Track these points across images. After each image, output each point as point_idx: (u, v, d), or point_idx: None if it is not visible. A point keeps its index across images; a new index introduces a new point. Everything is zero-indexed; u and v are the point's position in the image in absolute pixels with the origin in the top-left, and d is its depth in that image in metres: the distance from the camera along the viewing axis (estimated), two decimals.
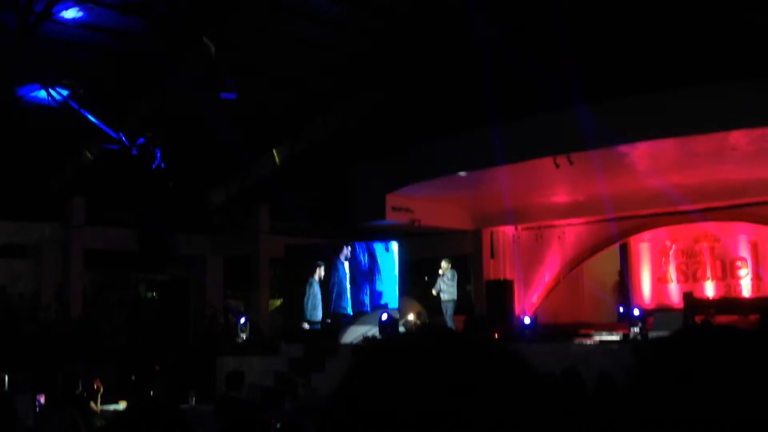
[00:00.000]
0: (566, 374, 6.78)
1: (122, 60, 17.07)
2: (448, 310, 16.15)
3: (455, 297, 16.31)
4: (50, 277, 20.37)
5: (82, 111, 16.87)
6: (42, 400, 7.74)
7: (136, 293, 23.02)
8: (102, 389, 9.77)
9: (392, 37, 18.03)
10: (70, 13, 14.99)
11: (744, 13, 13.81)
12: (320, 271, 17.51)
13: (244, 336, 17.89)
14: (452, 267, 16.49)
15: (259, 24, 15.63)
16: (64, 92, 17.10)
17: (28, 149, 18.64)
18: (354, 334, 16.35)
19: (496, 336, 15.12)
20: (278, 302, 23.20)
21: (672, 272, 17.60)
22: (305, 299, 17.42)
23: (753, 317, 13.89)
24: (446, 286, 16.19)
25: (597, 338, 14.83)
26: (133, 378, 12.78)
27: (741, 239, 16.64)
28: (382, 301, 16.96)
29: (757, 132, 12.24)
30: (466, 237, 19.12)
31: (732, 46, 13.83)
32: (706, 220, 15.78)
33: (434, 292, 16.72)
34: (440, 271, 16.56)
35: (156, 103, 17.69)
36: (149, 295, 23.63)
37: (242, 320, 18.57)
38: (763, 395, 0.95)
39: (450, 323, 15.60)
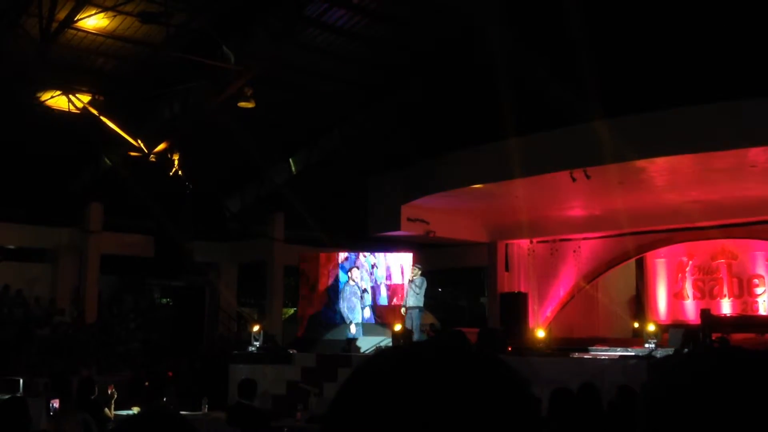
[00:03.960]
0: (583, 389, 6.74)
1: (142, 68, 17.22)
2: (414, 319, 15.64)
3: (422, 304, 15.80)
4: (67, 281, 20.52)
5: (102, 117, 17.02)
6: (56, 404, 7.78)
7: (150, 299, 23.13)
8: (116, 395, 9.81)
9: (411, 50, 18.09)
10: (92, 21, 15.15)
11: (765, 30, 13.74)
12: (353, 274, 17.40)
13: (257, 344, 17.91)
14: (422, 274, 16.02)
15: (278, 34, 15.71)
16: (85, 99, 17.27)
17: (47, 155, 18.82)
18: (368, 344, 16.32)
19: (510, 349, 15.06)
20: (291, 311, 23.24)
21: (688, 289, 17.48)
22: (339, 302, 17.32)
23: None
24: (413, 292, 15.66)
25: (613, 353, 14.72)
26: (147, 384, 12.80)
27: (759, 257, 16.51)
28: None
29: None
30: (481, 249, 19.09)
31: (752, 63, 13.75)
32: (723, 237, 15.67)
33: (403, 309, 16.10)
34: (410, 277, 16.04)
35: (175, 111, 17.81)
36: (164, 301, 23.73)
37: (255, 328, 18.58)
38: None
39: (417, 334, 15.33)
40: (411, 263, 16.77)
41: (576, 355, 13.58)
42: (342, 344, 16.14)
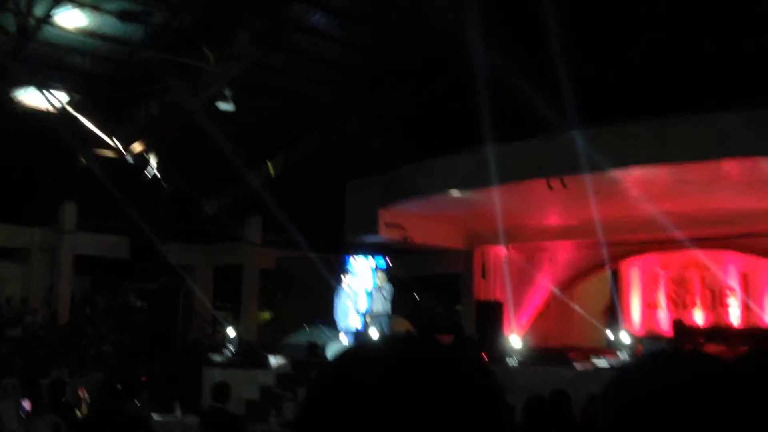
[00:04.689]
0: (553, 397, 6.78)
1: (121, 67, 17.09)
2: (383, 325, 15.54)
3: (390, 311, 15.72)
4: (39, 282, 20.28)
5: (79, 116, 16.86)
6: (27, 405, 7.68)
7: (124, 301, 22.90)
8: (87, 398, 9.69)
9: (391, 56, 18.13)
10: (71, 19, 15.00)
11: (739, 42, 13.94)
12: (347, 279, 17.33)
13: (231, 348, 17.78)
14: (388, 280, 15.93)
15: (259, 36, 15.67)
16: (61, 97, 17.10)
17: (21, 152, 18.60)
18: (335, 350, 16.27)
19: (485, 357, 15.09)
20: (267, 315, 23.13)
21: (662, 299, 17.64)
22: (335, 308, 17.23)
23: (742, 348, 13.90)
24: (383, 298, 15.54)
25: (587, 363, 14.81)
26: (119, 387, 12.67)
27: (731, 269, 16.70)
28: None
29: (750, 162, 12.32)
30: (458, 256, 19.12)
31: (726, 76, 13.94)
32: (696, 248, 15.83)
33: (367, 316, 15.92)
34: (378, 283, 15.90)
35: (153, 111, 17.69)
36: (138, 303, 23.51)
37: (230, 332, 18.45)
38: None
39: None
40: (376, 268, 16.74)
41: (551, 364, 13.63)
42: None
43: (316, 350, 15.72)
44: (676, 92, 14.03)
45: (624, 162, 12.74)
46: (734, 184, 13.29)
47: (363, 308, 16.90)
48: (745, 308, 16.42)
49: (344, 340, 16.53)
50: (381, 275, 15.73)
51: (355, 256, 17.60)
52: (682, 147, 12.27)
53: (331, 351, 15.78)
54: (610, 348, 16.48)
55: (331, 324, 17.09)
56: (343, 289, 17.14)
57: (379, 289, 15.52)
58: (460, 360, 0.96)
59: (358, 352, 0.99)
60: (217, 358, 16.10)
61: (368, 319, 15.73)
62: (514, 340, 16.24)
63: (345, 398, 0.90)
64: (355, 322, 16.95)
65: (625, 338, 15.25)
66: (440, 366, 0.93)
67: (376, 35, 17.34)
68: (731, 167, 12.64)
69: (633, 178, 13.55)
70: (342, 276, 17.42)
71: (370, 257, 17.77)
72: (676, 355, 1.12)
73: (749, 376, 1.07)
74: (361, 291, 17.23)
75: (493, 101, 13.53)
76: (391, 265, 18.10)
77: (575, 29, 14.36)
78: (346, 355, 0.98)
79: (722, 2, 14.48)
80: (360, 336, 16.58)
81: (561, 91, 12.65)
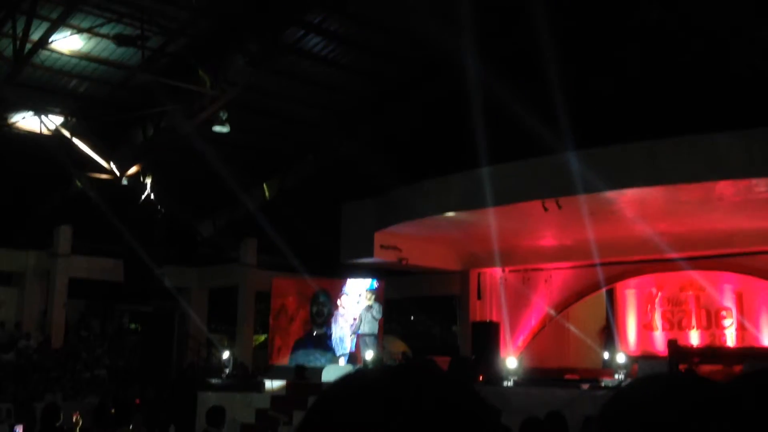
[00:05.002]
0: (550, 418, 6.76)
1: (117, 90, 17.14)
2: (368, 345, 15.51)
3: (376, 332, 15.67)
4: (33, 305, 20.19)
5: (74, 140, 16.89)
6: (21, 431, 7.61)
7: (119, 324, 22.81)
8: (81, 422, 9.63)
9: (386, 79, 18.23)
10: (67, 43, 15.07)
11: (732, 64, 14.06)
12: (343, 301, 17.32)
13: (226, 371, 17.69)
14: (376, 299, 15.92)
15: (254, 60, 15.76)
16: (57, 120, 17.13)
17: (16, 176, 18.60)
18: (338, 372, 16.22)
19: (481, 378, 15.04)
20: (262, 338, 23.04)
21: (657, 320, 17.62)
22: (330, 332, 17.20)
23: (737, 368, 13.89)
24: (373, 318, 15.52)
25: (583, 385, 14.77)
26: (113, 411, 12.57)
27: (726, 289, 16.71)
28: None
29: (743, 183, 12.38)
30: (454, 277, 19.11)
31: (720, 98, 14.05)
32: (691, 268, 15.86)
33: (353, 336, 15.88)
34: (367, 303, 15.88)
35: (149, 134, 17.72)
36: (132, 326, 23.42)
37: (225, 355, 18.34)
38: None
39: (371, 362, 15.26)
40: (364, 288, 16.71)
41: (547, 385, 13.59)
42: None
43: (303, 373, 15.67)
44: (670, 114, 14.13)
45: (619, 183, 12.79)
46: (728, 204, 13.34)
47: (354, 329, 16.89)
48: (741, 328, 16.42)
49: (337, 362, 16.50)
50: (370, 295, 15.72)
51: (348, 278, 17.60)
52: (677, 168, 12.34)
53: (328, 374, 15.72)
54: (606, 369, 16.46)
55: (321, 346, 17.06)
56: (335, 310, 17.13)
57: (368, 309, 15.50)
58: (453, 384, 0.97)
59: (356, 382, 1.00)
60: (213, 380, 16.02)
61: (359, 340, 15.72)
62: (510, 361, 16.21)
63: (340, 420, 0.91)
64: (346, 344, 16.93)
65: (620, 359, 15.22)
66: (433, 391, 0.94)
67: (370, 58, 17.45)
68: (725, 188, 12.70)
69: (628, 199, 13.60)
70: (334, 297, 17.42)
71: (359, 279, 17.79)
72: (672, 376, 1.13)
73: (745, 398, 1.08)
74: (352, 312, 17.23)
75: (487, 123, 13.60)
76: (385, 286, 18.09)
77: (570, 52, 14.48)
78: (344, 383, 0.98)
79: (716, 25, 14.62)
80: (352, 357, 16.56)
81: (556, 112, 12.73)
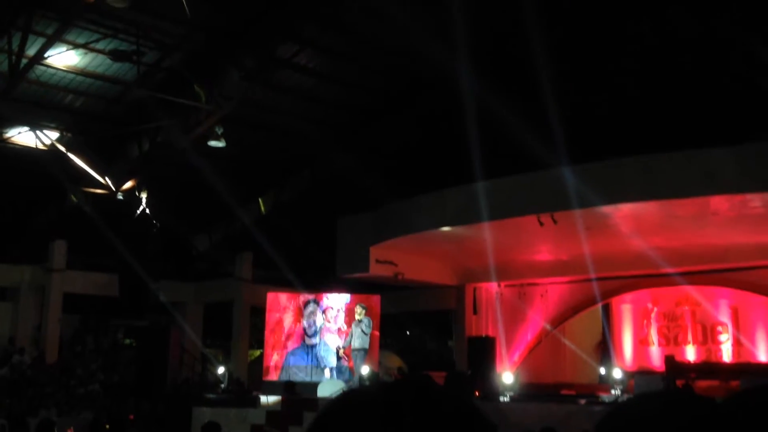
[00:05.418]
0: None
1: (112, 105, 17.16)
2: (357, 360, 15.43)
3: (367, 347, 15.58)
4: (27, 320, 20.10)
5: (70, 155, 16.88)
6: None
7: (113, 339, 22.71)
8: None
9: (381, 93, 18.29)
10: (62, 58, 15.10)
11: (726, 81, 14.14)
12: (329, 314, 17.30)
13: (221, 386, 17.64)
14: (366, 314, 15.87)
15: (249, 74, 15.80)
16: (52, 135, 17.13)
17: (11, 191, 18.56)
18: (333, 387, 16.17)
19: (478, 394, 15.01)
20: (257, 353, 22.95)
21: (653, 335, 17.62)
22: (318, 344, 17.16)
23: (734, 383, 13.88)
24: (362, 333, 15.42)
25: (579, 400, 14.74)
26: (107, 427, 12.51)
27: (722, 304, 16.72)
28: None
29: (738, 198, 12.42)
30: (450, 292, 19.10)
31: (714, 113, 14.11)
32: (687, 283, 15.87)
33: (341, 351, 15.83)
34: (357, 317, 15.80)
35: (144, 148, 17.73)
36: (127, 341, 23.32)
37: (220, 370, 18.29)
38: None
39: (358, 377, 15.20)
40: (349, 302, 16.66)
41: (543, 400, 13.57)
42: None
43: (293, 389, 15.64)
44: (664, 128, 14.19)
45: (614, 198, 12.82)
46: (723, 219, 13.38)
47: (344, 344, 16.88)
48: (737, 343, 16.42)
49: (322, 374, 16.46)
50: (361, 310, 15.68)
51: (337, 293, 17.59)
52: (671, 183, 12.37)
53: (323, 390, 15.68)
54: (603, 384, 16.43)
55: (309, 358, 17.03)
56: (326, 323, 17.11)
57: (358, 323, 15.45)
58: (452, 400, 0.97)
59: (355, 398, 1.00)
60: (208, 395, 15.97)
61: (348, 354, 15.69)
62: (507, 377, 16.18)
63: None
64: (331, 358, 16.91)
65: (617, 374, 15.21)
66: (433, 406, 0.94)
67: (366, 73, 17.50)
68: (720, 203, 12.73)
69: (623, 213, 13.62)
70: (324, 312, 17.40)
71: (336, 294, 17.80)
72: (669, 392, 1.13)
73: (743, 415, 1.08)
74: (337, 325, 17.23)
75: (483, 137, 13.64)
76: (381, 301, 18.07)
77: (565, 67, 14.55)
78: (343, 400, 0.99)
79: (710, 40, 14.71)
80: (341, 371, 16.54)
81: (551, 127, 12.77)
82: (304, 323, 17.56)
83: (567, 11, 14.86)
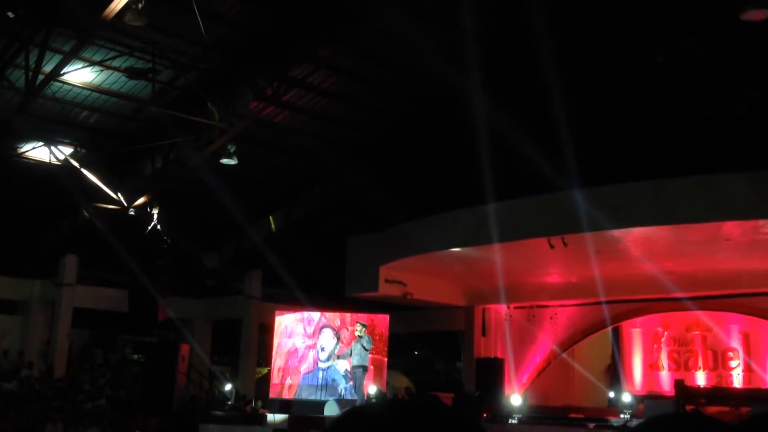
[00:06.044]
0: None
1: (127, 122, 17.29)
2: (357, 378, 15.25)
3: (366, 364, 15.40)
4: (37, 334, 20.14)
5: (83, 170, 16.99)
6: None
7: (122, 354, 22.73)
8: None
9: (393, 114, 18.36)
10: (78, 75, 15.25)
11: (739, 107, 14.13)
12: (343, 335, 17.34)
13: (228, 403, 17.60)
14: (366, 332, 15.73)
15: (261, 94, 15.90)
16: (66, 150, 17.26)
17: (24, 205, 18.69)
18: (340, 406, 16.11)
19: (486, 415, 14.93)
20: (265, 370, 22.91)
21: (664, 359, 17.50)
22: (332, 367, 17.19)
23: (744, 409, 13.75)
24: (362, 349, 15.20)
25: (588, 424, 14.64)
26: None
27: (733, 329, 16.61)
28: None
29: (750, 224, 12.38)
30: (459, 313, 19.05)
31: (727, 139, 14.10)
32: (698, 308, 15.79)
33: (347, 360, 15.77)
34: (357, 334, 15.61)
35: (157, 165, 17.83)
36: (135, 357, 23.34)
37: (228, 387, 18.24)
38: None
39: (359, 394, 15.09)
40: (350, 321, 16.64)
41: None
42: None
43: (289, 407, 15.63)
44: (676, 153, 14.18)
45: (625, 222, 12.80)
46: (735, 245, 13.32)
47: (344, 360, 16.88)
48: (747, 369, 16.28)
49: (341, 394, 16.42)
50: (361, 327, 15.62)
51: (345, 312, 17.61)
52: (683, 208, 12.35)
53: (330, 409, 15.61)
54: (612, 408, 16.31)
55: (326, 382, 17.02)
56: (342, 345, 17.09)
57: (358, 340, 15.36)
58: (460, 421, 0.98)
59: (362, 418, 1.01)
60: (215, 413, 15.94)
61: (349, 372, 15.67)
62: (515, 399, 16.08)
63: None
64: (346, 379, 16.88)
65: (626, 398, 15.09)
66: (440, 426, 0.95)
67: (379, 94, 17.58)
68: (732, 228, 12.69)
69: (634, 237, 13.60)
70: (338, 331, 17.40)
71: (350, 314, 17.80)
72: (681, 416, 1.14)
73: None
74: (340, 344, 17.23)
75: (494, 159, 13.67)
76: (389, 320, 18.04)
77: (577, 91, 14.58)
78: (350, 419, 1.00)
79: (723, 66, 14.73)
80: (349, 391, 16.50)
81: (562, 150, 12.79)
82: (319, 348, 17.61)
83: (579, 34, 14.92)
